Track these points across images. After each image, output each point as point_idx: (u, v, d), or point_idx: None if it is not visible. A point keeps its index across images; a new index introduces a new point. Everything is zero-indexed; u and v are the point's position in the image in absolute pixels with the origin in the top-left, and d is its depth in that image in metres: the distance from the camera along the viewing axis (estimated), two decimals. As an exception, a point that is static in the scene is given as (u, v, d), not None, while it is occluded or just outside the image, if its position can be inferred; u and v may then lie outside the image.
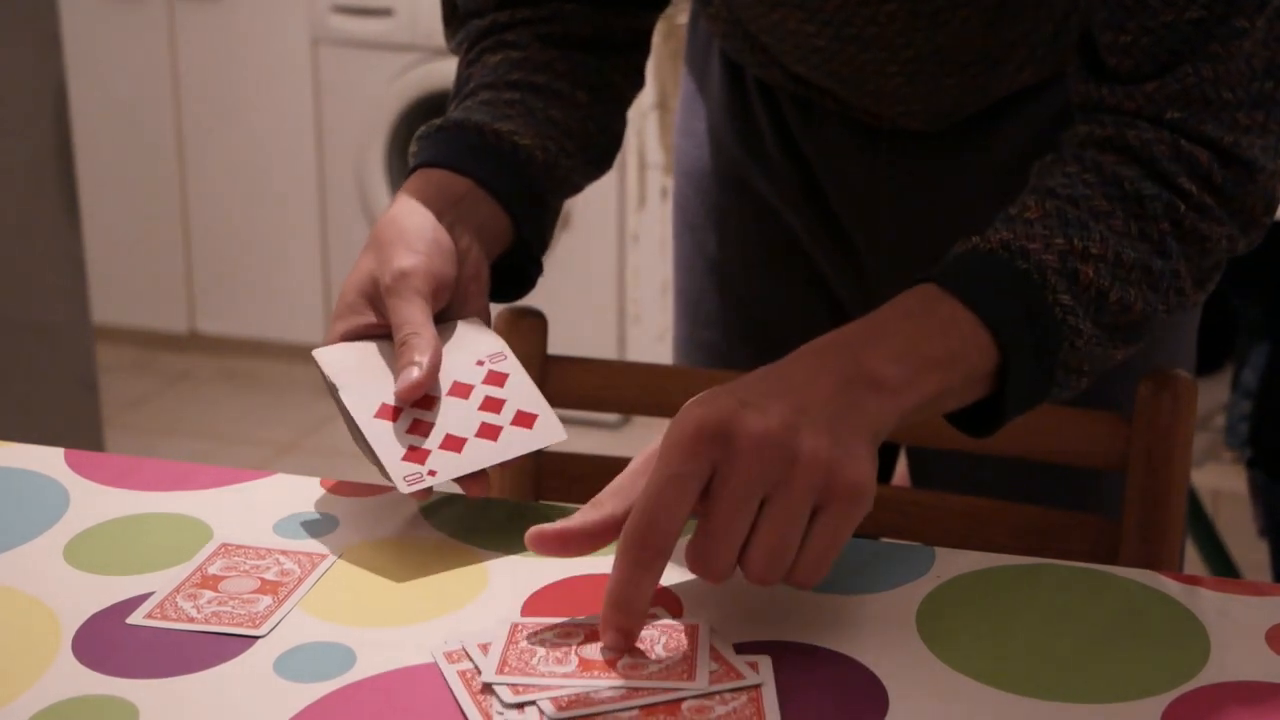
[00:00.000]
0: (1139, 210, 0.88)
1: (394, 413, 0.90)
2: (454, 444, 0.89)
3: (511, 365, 0.93)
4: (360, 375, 0.91)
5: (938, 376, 0.82)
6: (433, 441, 0.89)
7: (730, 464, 0.75)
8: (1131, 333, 0.89)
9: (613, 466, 1.16)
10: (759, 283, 1.24)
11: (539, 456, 1.15)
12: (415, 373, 0.89)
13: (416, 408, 0.90)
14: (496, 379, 0.92)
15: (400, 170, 3.52)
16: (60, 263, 2.51)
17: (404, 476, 0.87)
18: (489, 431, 0.90)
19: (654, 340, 3.41)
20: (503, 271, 1.01)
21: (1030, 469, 1.10)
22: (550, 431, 0.91)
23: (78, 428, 2.56)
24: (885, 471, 1.26)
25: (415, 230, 0.93)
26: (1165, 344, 1.15)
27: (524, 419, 0.91)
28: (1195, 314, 1.19)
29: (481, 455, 0.89)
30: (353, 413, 0.90)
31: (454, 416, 0.90)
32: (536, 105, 1.03)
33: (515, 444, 0.90)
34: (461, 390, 0.91)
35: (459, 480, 0.90)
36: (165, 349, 3.87)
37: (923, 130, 1.13)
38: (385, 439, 0.89)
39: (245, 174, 3.68)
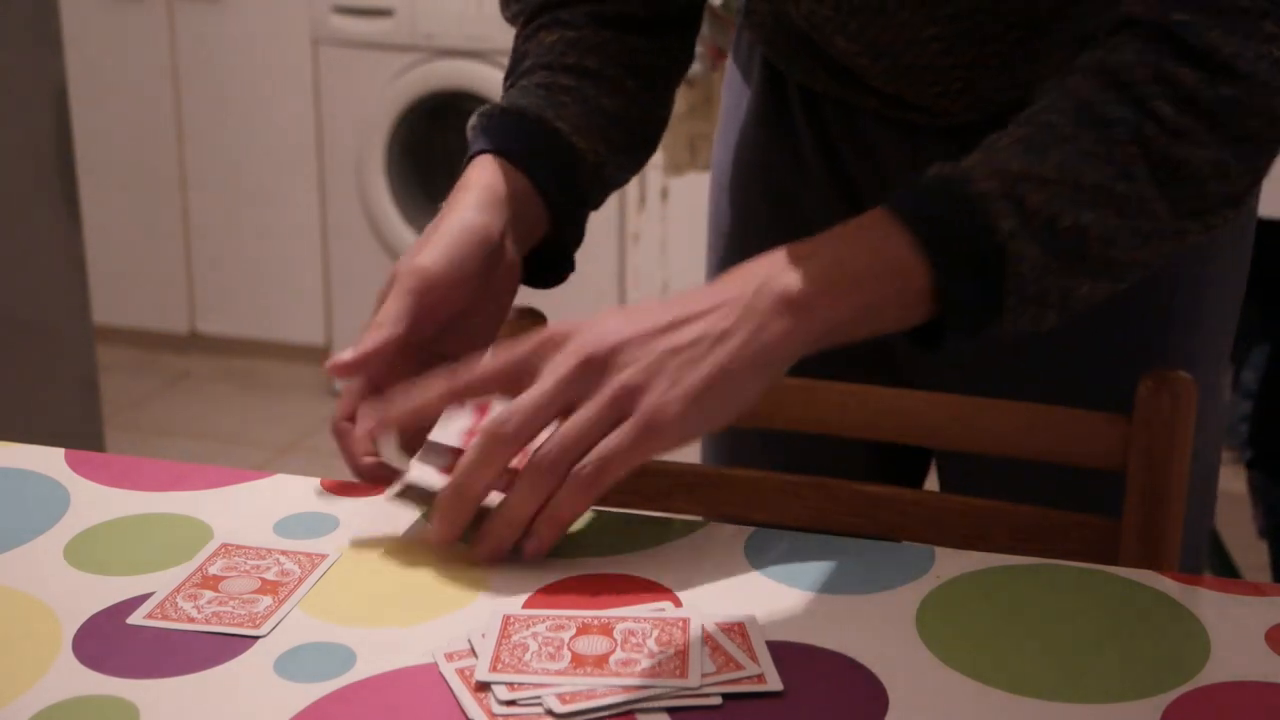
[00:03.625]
0: (1104, 134, 0.88)
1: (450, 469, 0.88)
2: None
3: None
4: (417, 465, 0.90)
5: (858, 293, 0.86)
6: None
7: (552, 362, 0.85)
8: (1093, 262, 0.88)
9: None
10: None
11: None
12: (346, 354, 0.93)
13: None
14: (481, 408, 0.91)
15: (399, 171, 3.53)
16: (60, 263, 2.50)
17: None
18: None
19: (654, 340, 3.40)
20: (532, 260, 1.05)
21: (1030, 469, 1.10)
22: None
23: (78, 428, 2.55)
24: (916, 477, 1.26)
25: (444, 230, 0.97)
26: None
27: None
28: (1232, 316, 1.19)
29: None
30: (425, 486, 0.89)
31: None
32: (590, 93, 1.06)
33: None
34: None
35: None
36: (165, 349, 3.87)
37: (963, 125, 1.12)
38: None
39: (245, 174, 3.68)
